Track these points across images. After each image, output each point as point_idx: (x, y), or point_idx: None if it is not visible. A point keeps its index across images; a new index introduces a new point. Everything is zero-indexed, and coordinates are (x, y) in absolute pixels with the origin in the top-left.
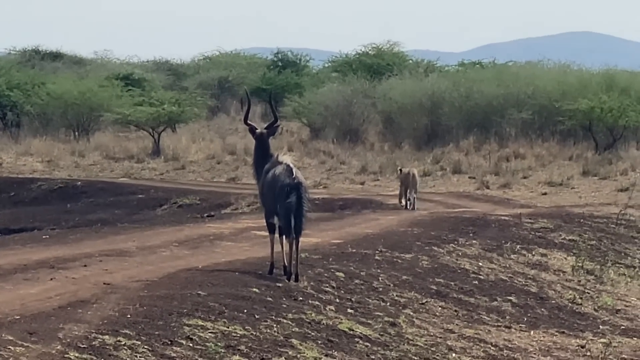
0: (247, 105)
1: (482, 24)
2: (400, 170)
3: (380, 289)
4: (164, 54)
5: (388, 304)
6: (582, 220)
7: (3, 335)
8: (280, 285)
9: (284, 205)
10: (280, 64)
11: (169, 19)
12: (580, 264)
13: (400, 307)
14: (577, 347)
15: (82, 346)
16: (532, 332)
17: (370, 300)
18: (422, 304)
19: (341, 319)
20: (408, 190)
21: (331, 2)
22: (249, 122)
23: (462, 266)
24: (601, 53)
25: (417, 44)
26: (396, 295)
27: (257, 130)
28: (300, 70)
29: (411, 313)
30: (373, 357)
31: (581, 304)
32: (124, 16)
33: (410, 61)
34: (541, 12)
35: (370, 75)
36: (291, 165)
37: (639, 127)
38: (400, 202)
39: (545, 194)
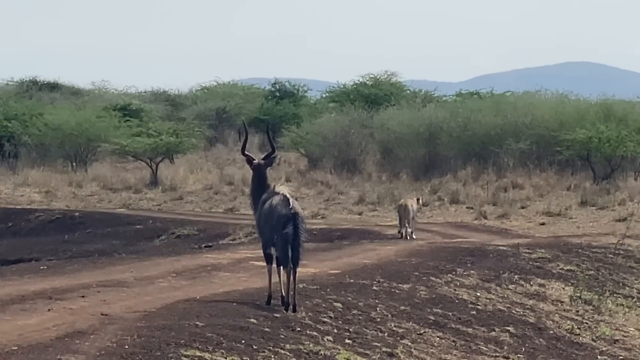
0: (244, 135)
1: (480, 54)
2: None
3: (378, 320)
4: (161, 84)
5: (386, 334)
6: (580, 250)
7: None
8: (278, 315)
9: (281, 236)
10: (278, 94)
11: (166, 50)
12: (578, 294)
13: (398, 338)
14: None
15: None
16: None
17: (368, 331)
18: (420, 334)
19: (339, 350)
20: (404, 221)
21: (328, 32)
22: (246, 152)
23: (460, 296)
24: (599, 83)
25: (414, 74)
26: (394, 326)
27: (254, 161)
28: (298, 100)
29: (409, 343)
30: None
31: (579, 334)
32: (122, 47)
33: (408, 91)
34: (539, 42)
35: (367, 106)
36: (288, 195)
37: (636, 157)
38: (402, 232)
39: (543, 224)
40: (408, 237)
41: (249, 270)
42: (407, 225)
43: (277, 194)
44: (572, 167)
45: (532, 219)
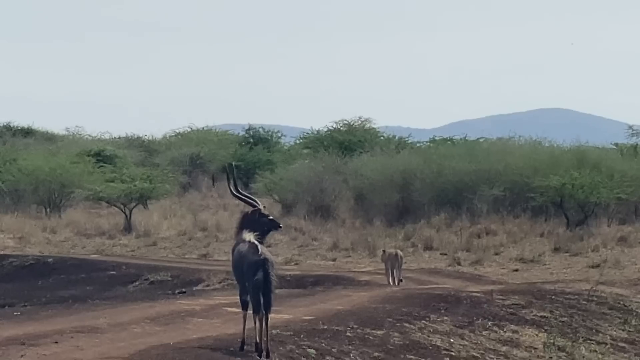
0: (233, 177)
1: (454, 100)
2: (384, 251)
3: None
4: (135, 130)
5: None
6: (553, 296)
7: None
8: None
9: (252, 283)
10: (251, 140)
11: (140, 96)
12: (551, 341)
13: None
14: None
15: None
16: None
17: None
18: None
19: None
20: (395, 270)
21: (302, 78)
22: (244, 193)
23: (434, 342)
24: (572, 129)
25: (388, 120)
26: None
27: (258, 206)
28: (271, 146)
29: None
30: None
31: None
32: (96, 93)
33: (382, 137)
34: (512, 88)
35: (341, 152)
36: (255, 242)
37: (610, 203)
38: (389, 282)
39: (516, 270)
40: (398, 283)
41: (222, 316)
42: (398, 272)
43: (245, 241)
44: (545, 214)
45: (506, 265)
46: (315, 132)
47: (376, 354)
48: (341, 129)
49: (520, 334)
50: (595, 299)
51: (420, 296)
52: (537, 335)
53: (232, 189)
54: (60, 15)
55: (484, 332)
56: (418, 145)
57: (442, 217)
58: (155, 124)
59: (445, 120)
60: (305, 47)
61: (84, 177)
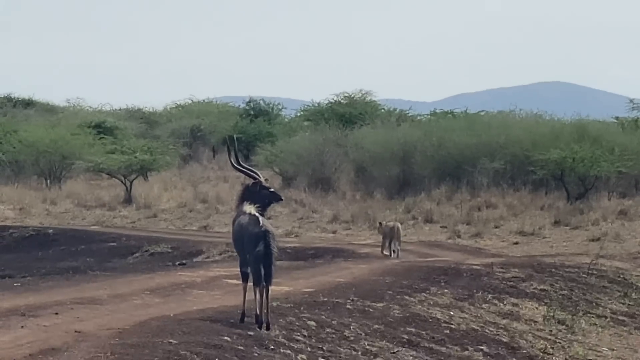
0: (233, 149)
1: (454, 73)
2: (381, 223)
3: (352, 338)
4: (136, 102)
5: (360, 353)
6: (553, 270)
7: None
8: (251, 333)
9: (253, 254)
10: (252, 112)
11: (141, 67)
12: (551, 314)
13: (372, 357)
14: None
15: None
16: None
17: (341, 350)
18: (394, 353)
19: None
20: (393, 242)
21: (303, 51)
22: (245, 165)
23: (434, 315)
24: (573, 103)
25: (389, 93)
26: (367, 345)
27: (259, 178)
28: (272, 119)
29: None
30: None
31: (552, 354)
32: (97, 64)
33: (383, 110)
34: (512, 62)
35: (342, 124)
36: (256, 214)
37: (610, 177)
38: (383, 252)
39: (516, 243)
40: (397, 255)
41: (222, 288)
42: (398, 245)
43: (245, 213)
44: (545, 187)
45: (506, 239)
46: (316, 105)
47: (376, 326)
48: (342, 101)
49: (520, 307)
50: (596, 272)
51: (420, 269)
52: (537, 308)
53: (233, 162)
54: None
55: (484, 305)
56: (419, 118)
57: (443, 190)
58: (156, 95)
59: (446, 93)
60: (307, 20)
61: (84, 149)
